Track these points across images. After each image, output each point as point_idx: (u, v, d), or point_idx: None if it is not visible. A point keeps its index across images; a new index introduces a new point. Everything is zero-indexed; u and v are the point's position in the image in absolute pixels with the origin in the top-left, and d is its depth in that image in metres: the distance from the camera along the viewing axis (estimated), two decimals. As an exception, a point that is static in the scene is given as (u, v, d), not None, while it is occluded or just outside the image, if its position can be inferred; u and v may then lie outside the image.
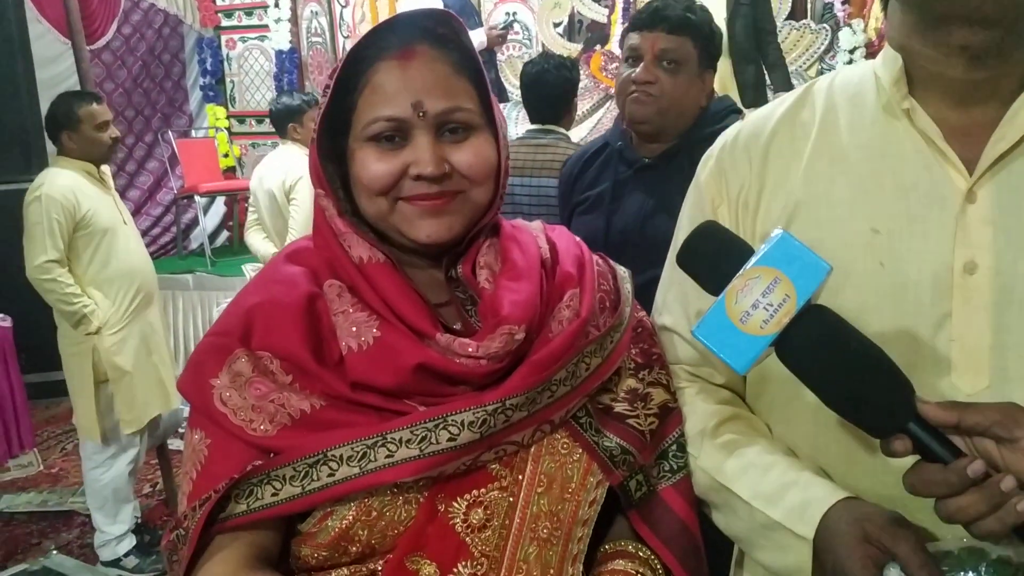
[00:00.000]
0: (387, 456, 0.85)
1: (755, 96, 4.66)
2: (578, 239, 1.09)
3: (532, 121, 2.90)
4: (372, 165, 0.91)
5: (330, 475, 0.86)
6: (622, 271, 1.09)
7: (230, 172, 6.51)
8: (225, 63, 6.38)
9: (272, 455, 0.88)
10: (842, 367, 0.76)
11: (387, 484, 0.87)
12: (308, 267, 0.96)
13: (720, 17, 4.42)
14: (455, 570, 0.88)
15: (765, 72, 4.45)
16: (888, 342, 0.86)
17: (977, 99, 0.89)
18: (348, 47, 5.45)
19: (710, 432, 1.01)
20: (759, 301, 0.77)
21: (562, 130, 2.91)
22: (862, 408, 0.76)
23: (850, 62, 4.93)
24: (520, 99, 3.12)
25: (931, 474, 0.73)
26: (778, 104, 1.05)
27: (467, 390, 0.89)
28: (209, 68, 6.29)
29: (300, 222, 3.78)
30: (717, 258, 0.82)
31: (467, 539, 0.89)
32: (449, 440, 0.85)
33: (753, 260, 0.79)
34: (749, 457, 0.97)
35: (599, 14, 5.55)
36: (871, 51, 4.98)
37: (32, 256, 3.08)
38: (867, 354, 0.77)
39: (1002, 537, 0.71)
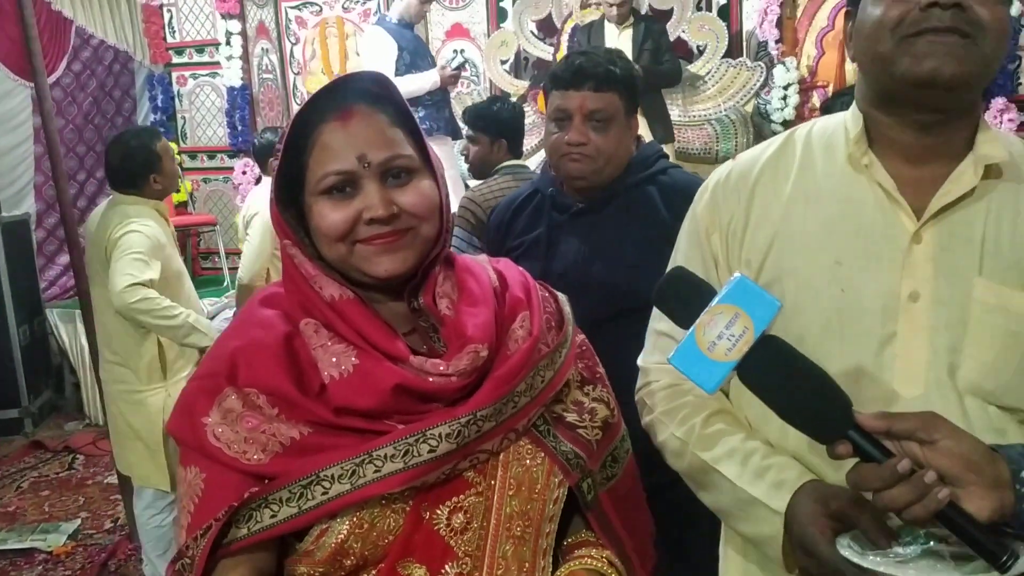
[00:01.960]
0: (375, 471, 0.95)
1: (664, 130, 4.95)
2: (521, 268, 1.19)
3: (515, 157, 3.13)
4: (329, 215, 1.01)
5: (324, 493, 0.95)
6: (561, 296, 1.20)
7: (182, 207, 6.52)
8: (176, 100, 6.43)
9: (267, 481, 0.97)
10: (793, 386, 0.92)
11: (376, 497, 0.96)
12: (281, 309, 1.06)
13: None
14: (443, 571, 0.99)
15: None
16: (844, 355, 1.06)
17: (927, 159, 1.08)
18: (299, 83, 5.57)
19: (700, 423, 1.17)
20: (723, 333, 0.92)
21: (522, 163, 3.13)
22: (810, 420, 0.92)
23: (784, 98, 5.21)
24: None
25: (868, 472, 0.88)
26: (765, 147, 1.23)
27: (439, 407, 0.99)
28: (160, 105, 6.31)
29: (248, 257, 3.84)
30: (686, 298, 0.96)
31: (451, 542, 1.00)
32: (429, 452, 0.95)
33: (717, 299, 0.93)
34: (733, 444, 1.14)
35: (545, 52, 5.75)
36: (804, 87, 5.25)
37: (116, 284, 2.83)
38: (813, 375, 0.92)
39: (927, 521, 0.86)
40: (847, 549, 0.92)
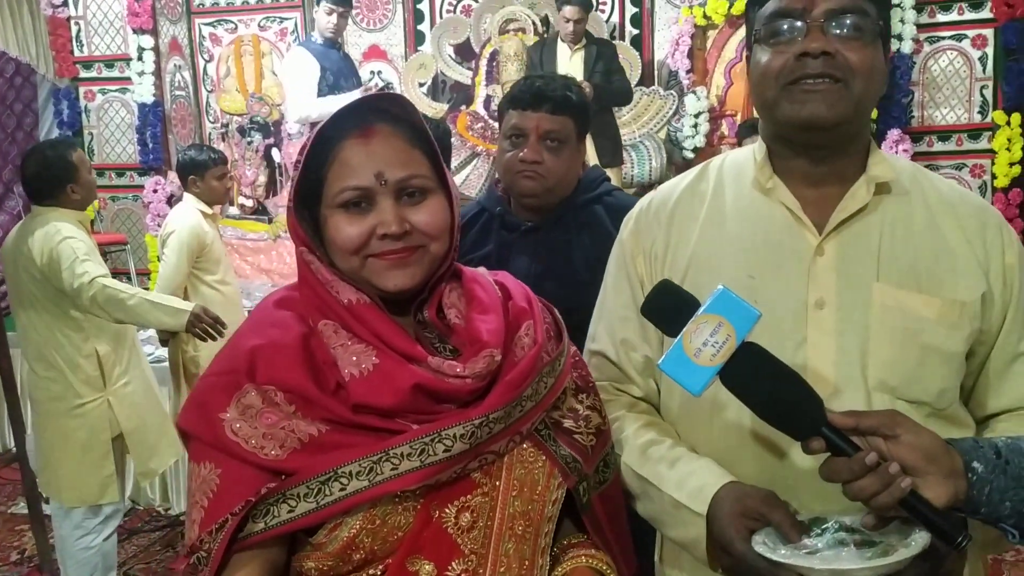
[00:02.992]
0: (392, 469, 1.00)
1: (613, 150, 5.11)
2: (519, 281, 1.25)
3: None
4: (344, 228, 1.06)
5: (342, 489, 0.99)
6: (555, 309, 1.26)
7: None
8: (84, 115, 6.21)
9: (284, 477, 1.00)
10: (772, 388, 1.01)
11: (392, 493, 1.00)
12: (296, 312, 1.10)
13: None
14: (450, 567, 1.04)
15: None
16: None
17: (824, 182, 1.21)
18: (212, 101, 5.52)
19: (632, 435, 1.26)
20: (708, 340, 1.01)
21: None
22: (787, 418, 1.01)
23: (695, 126, 5.42)
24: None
25: (839, 465, 0.98)
26: (683, 177, 1.36)
27: (452, 408, 1.04)
28: (66, 120, 6.08)
29: (164, 276, 3.78)
30: (673, 309, 1.05)
31: (458, 540, 1.05)
32: (444, 451, 1.00)
33: (702, 309, 1.02)
34: (661, 453, 1.22)
35: (463, 76, 5.82)
36: (714, 116, 5.48)
37: (75, 285, 2.88)
38: (789, 378, 1.01)
39: (892, 508, 0.96)
40: (761, 545, 1.01)
